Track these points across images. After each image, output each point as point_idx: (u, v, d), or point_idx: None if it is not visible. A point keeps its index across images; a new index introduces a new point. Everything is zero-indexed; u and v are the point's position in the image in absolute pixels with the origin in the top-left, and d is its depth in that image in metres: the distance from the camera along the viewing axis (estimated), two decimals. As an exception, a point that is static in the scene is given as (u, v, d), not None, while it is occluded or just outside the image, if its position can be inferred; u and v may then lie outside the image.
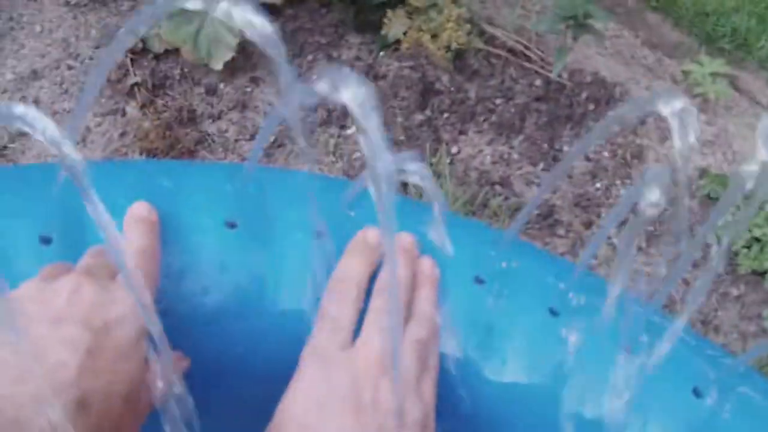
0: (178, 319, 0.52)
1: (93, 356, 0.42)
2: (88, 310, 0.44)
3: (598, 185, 1.76)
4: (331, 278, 0.52)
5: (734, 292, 1.67)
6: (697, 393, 0.54)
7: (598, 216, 1.72)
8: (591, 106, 1.87)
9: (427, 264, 0.54)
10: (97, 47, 1.79)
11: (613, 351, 0.55)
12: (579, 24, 1.67)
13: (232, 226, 0.55)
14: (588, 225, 1.69)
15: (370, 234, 0.54)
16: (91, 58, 1.77)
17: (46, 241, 0.51)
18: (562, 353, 0.55)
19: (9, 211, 0.53)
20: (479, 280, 0.56)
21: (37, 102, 1.70)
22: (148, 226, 0.51)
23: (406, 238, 0.55)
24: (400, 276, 0.52)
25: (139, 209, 0.52)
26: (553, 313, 0.56)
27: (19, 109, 0.39)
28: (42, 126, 0.38)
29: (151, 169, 0.59)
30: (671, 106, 0.41)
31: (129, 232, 0.51)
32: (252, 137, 1.68)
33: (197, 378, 0.49)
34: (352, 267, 0.52)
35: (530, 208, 0.57)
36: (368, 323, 0.49)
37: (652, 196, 0.45)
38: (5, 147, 1.64)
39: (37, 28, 1.82)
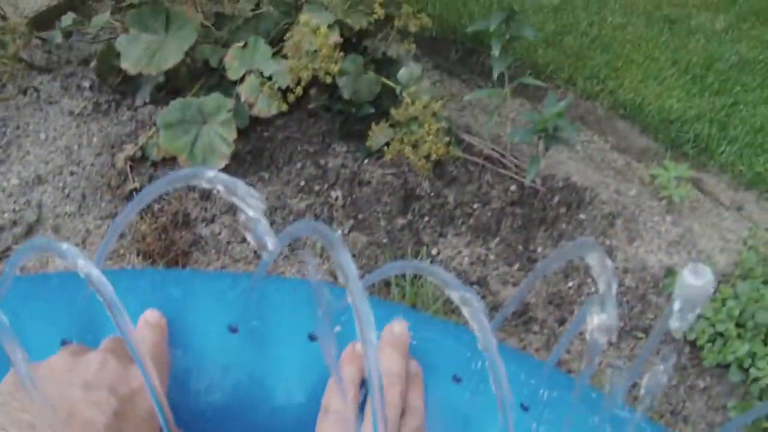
0: (183, 415, 0.58)
1: (119, 418, 0.49)
2: (114, 379, 0.50)
3: (570, 284, 1.85)
4: (330, 382, 0.59)
5: (701, 384, 1.75)
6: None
7: (571, 313, 1.81)
8: (563, 210, 1.98)
9: (413, 364, 0.61)
10: (98, 154, 1.89)
11: None
12: (550, 136, 1.78)
13: (234, 330, 0.62)
14: (562, 322, 1.78)
15: (359, 346, 0.61)
16: (92, 165, 1.87)
17: (66, 344, 0.57)
18: None
19: (35, 315, 0.59)
20: (457, 379, 0.63)
21: (40, 206, 1.80)
22: (158, 329, 0.58)
23: (398, 329, 0.61)
24: (396, 368, 0.59)
25: (151, 316, 0.59)
26: (524, 408, 0.64)
27: (61, 246, 0.47)
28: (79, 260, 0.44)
29: (161, 277, 0.67)
30: (592, 259, 0.49)
31: (142, 334, 0.58)
32: (243, 240, 1.77)
33: None
34: (348, 370, 0.58)
35: (501, 315, 0.65)
36: (368, 413, 0.56)
37: (599, 326, 0.52)
38: (8, 248, 1.72)
39: (42, 136, 1.93)
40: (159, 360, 0.56)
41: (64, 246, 0.46)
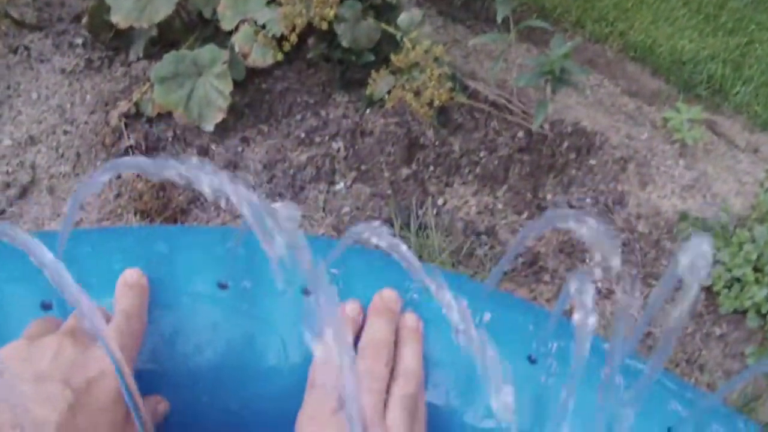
0: (172, 378, 0.56)
1: (74, 413, 0.45)
2: (69, 369, 0.47)
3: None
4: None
5: (717, 331, 1.71)
6: None
7: (583, 261, 1.76)
8: (572, 155, 1.92)
9: (410, 319, 0.58)
10: (92, 112, 1.84)
11: (591, 394, 0.58)
12: (557, 78, 1.72)
13: (224, 287, 0.59)
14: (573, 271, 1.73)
15: (349, 308, 0.58)
16: (86, 123, 1.83)
17: (46, 306, 0.55)
18: (542, 398, 0.58)
19: (13, 277, 0.56)
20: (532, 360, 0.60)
21: (33, 167, 1.75)
22: (138, 290, 0.55)
23: (387, 295, 0.59)
24: (383, 336, 0.56)
25: (131, 275, 0.56)
26: (532, 360, 0.60)
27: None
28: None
29: (147, 234, 0.64)
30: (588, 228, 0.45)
31: (118, 296, 0.55)
32: (243, 195, 1.73)
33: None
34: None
35: (504, 261, 0.61)
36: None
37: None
38: (3, 211, 1.68)
39: (34, 95, 1.88)
40: (132, 330, 0.53)
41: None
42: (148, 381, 0.55)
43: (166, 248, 0.60)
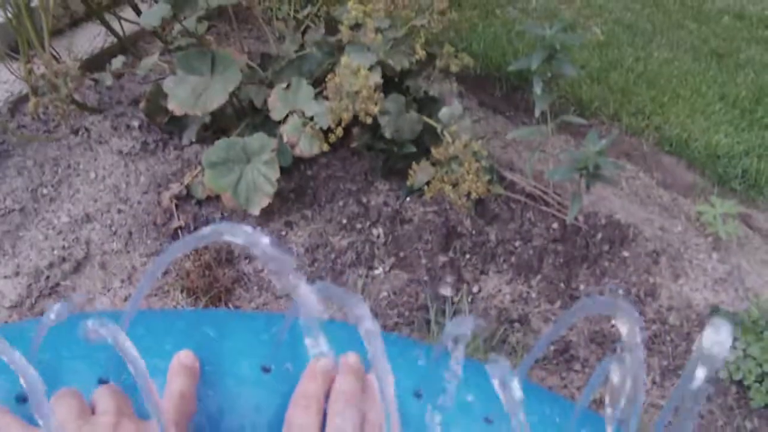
0: None
1: None
2: None
3: (613, 322, 1.83)
4: (294, 395, 0.59)
5: (748, 426, 1.71)
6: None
7: (614, 352, 1.78)
8: (606, 247, 1.96)
9: (369, 379, 0.62)
10: (145, 192, 1.93)
11: None
12: (591, 174, 1.78)
13: (267, 370, 0.63)
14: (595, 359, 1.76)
15: (322, 362, 0.61)
16: (139, 203, 1.92)
17: (103, 382, 0.59)
18: None
19: (72, 354, 0.60)
20: (488, 420, 0.64)
21: (88, 243, 1.84)
22: (189, 372, 0.59)
23: (352, 357, 0.63)
24: (353, 387, 0.60)
25: (186, 357, 0.60)
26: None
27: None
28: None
29: (196, 317, 0.68)
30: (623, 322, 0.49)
31: (171, 377, 0.59)
32: (285, 277, 1.79)
33: None
34: (310, 385, 0.60)
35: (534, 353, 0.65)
36: (331, 427, 0.57)
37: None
38: (57, 284, 1.76)
39: (92, 175, 1.98)
40: (185, 409, 0.57)
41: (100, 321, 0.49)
42: None
43: (214, 332, 0.64)
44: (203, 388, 0.60)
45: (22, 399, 0.57)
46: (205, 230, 0.48)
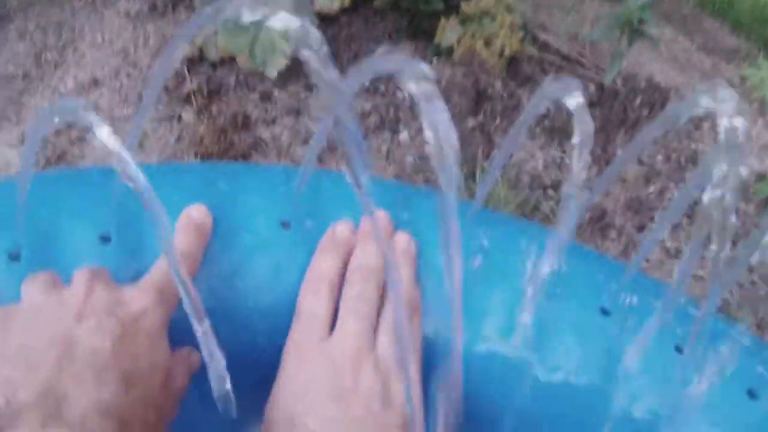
0: (229, 317, 0.54)
1: (126, 342, 0.44)
2: (108, 304, 0.45)
3: (651, 189, 1.74)
4: (306, 275, 0.53)
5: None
6: (751, 394, 0.54)
7: (651, 220, 1.70)
8: (645, 112, 1.85)
9: (402, 240, 0.55)
10: (155, 56, 1.83)
11: (667, 351, 0.55)
12: (634, 30, 1.66)
13: (286, 226, 0.56)
14: (640, 228, 1.67)
15: (339, 229, 0.55)
16: (149, 67, 1.81)
17: (105, 239, 0.53)
18: (615, 352, 0.55)
19: (72, 211, 0.54)
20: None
21: (96, 109, 1.75)
22: (198, 229, 0.53)
23: (378, 217, 0.55)
24: (372, 260, 0.53)
25: (197, 213, 0.53)
26: (605, 312, 0.56)
27: (85, 114, 0.41)
28: (103, 132, 0.41)
29: (208, 171, 0.61)
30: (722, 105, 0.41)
31: (178, 234, 0.52)
32: (305, 142, 1.70)
33: (250, 375, 0.51)
34: (323, 263, 0.53)
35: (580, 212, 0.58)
36: (343, 312, 0.50)
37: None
38: (65, 152, 1.68)
39: (98, 39, 1.87)
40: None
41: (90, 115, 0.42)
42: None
43: (227, 186, 0.58)
44: (216, 246, 0.54)
45: (14, 257, 0.52)
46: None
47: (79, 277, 0.47)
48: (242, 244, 0.55)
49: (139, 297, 0.47)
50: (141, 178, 0.40)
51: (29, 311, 0.45)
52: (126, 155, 0.40)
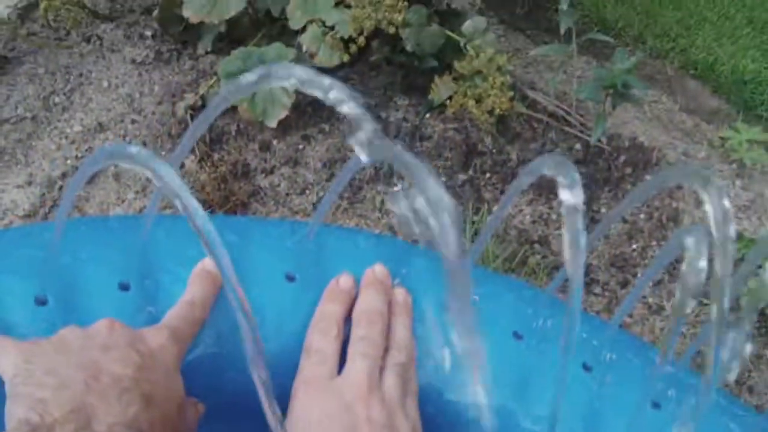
0: (235, 362, 0.58)
1: (145, 371, 0.49)
2: (129, 340, 0.50)
3: (634, 246, 1.81)
4: (313, 318, 0.58)
5: (768, 354, 1.70)
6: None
7: (634, 276, 1.76)
8: (628, 170, 1.92)
9: (400, 294, 0.60)
10: (159, 103, 1.89)
11: (643, 406, 0.60)
12: (618, 93, 1.73)
13: (291, 279, 0.61)
14: (624, 284, 1.74)
15: (342, 280, 0.60)
16: (153, 113, 1.87)
17: (124, 287, 0.57)
18: (594, 403, 0.60)
19: (93, 257, 0.58)
20: (518, 336, 0.62)
21: (101, 153, 1.80)
22: (210, 279, 0.58)
23: (379, 270, 0.61)
24: (377, 306, 0.58)
25: (208, 264, 0.58)
26: (586, 368, 0.61)
27: (132, 148, 0.45)
28: (167, 175, 0.44)
29: (219, 223, 0.66)
30: (705, 183, 0.46)
31: (191, 283, 0.57)
32: (302, 192, 1.76)
33: (258, 414, 0.55)
34: (329, 307, 0.58)
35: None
36: (352, 351, 0.55)
37: (696, 261, 0.49)
38: (71, 195, 1.73)
39: (105, 84, 1.93)
40: (194, 317, 0.56)
41: (136, 149, 0.45)
42: (211, 365, 0.58)
43: (236, 238, 0.62)
44: (225, 295, 0.57)
45: (40, 302, 0.55)
46: (252, 74, 0.44)
47: (101, 321, 0.52)
48: (249, 294, 0.59)
49: (155, 335, 0.52)
50: (205, 220, 0.43)
51: (58, 343, 0.49)
52: (190, 197, 0.43)
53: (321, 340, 0.56)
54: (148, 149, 0.45)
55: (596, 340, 0.64)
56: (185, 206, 0.42)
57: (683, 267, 0.47)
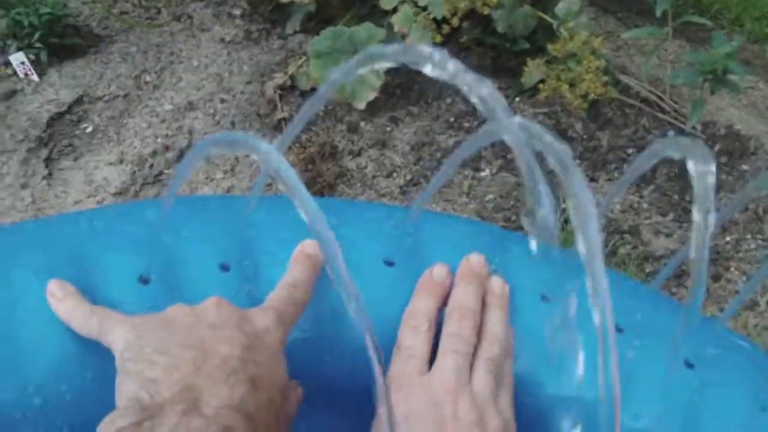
0: (334, 348, 0.57)
1: (251, 351, 0.48)
2: (237, 320, 0.50)
3: (728, 239, 1.75)
4: (405, 313, 0.57)
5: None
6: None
7: (727, 269, 1.71)
8: (724, 159, 1.87)
9: (496, 284, 0.58)
10: (248, 82, 1.90)
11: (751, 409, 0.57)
12: (718, 78, 1.67)
13: (390, 264, 0.59)
14: (717, 278, 1.69)
15: (437, 271, 0.58)
16: (242, 93, 1.88)
17: (225, 268, 0.57)
18: (695, 401, 0.57)
19: (195, 236, 0.58)
20: (619, 330, 0.59)
21: (191, 132, 1.82)
22: (310, 261, 0.57)
23: (474, 260, 0.59)
24: (470, 301, 0.56)
25: (310, 245, 0.57)
26: (688, 365, 0.59)
27: (237, 135, 0.45)
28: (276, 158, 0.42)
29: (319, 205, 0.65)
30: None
31: (292, 265, 0.56)
32: (389, 174, 1.75)
33: (349, 403, 0.54)
34: (421, 302, 0.57)
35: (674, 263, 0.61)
36: (442, 348, 0.54)
37: None
38: (161, 173, 1.76)
39: (195, 63, 1.95)
40: (296, 299, 0.55)
41: (258, 141, 0.44)
42: (309, 350, 0.57)
43: (334, 220, 0.60)
44: (324, 279, 0.57)
45: (144, 280, 0.55)
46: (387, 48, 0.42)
47: (209, 299, 0.52)
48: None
49: (262, 316, 0.51)
50: (312, 205, 0.42)
51: (166, 320, 0.49)
52: (299, 183, 0.42)
53: (412, 338, 0.55)
54: (253, 134, 0.45)
55: (699, 336, 0.60)
56: (291, 189, 0.41)
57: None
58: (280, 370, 0.50)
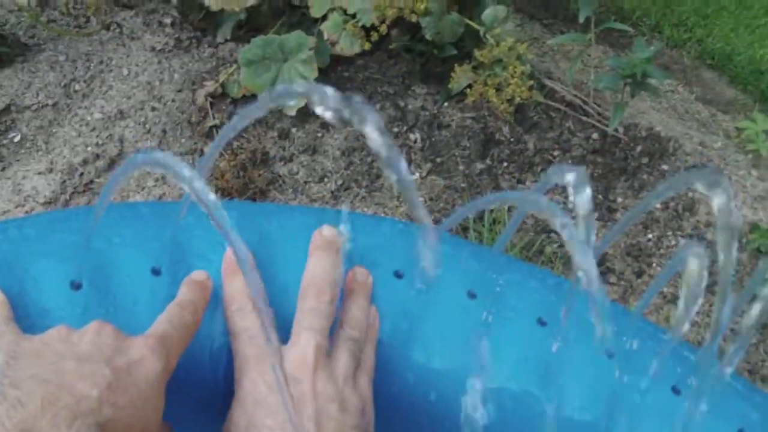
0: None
1: (114, 391, 0.46)
2: (110, 351, 0.48)
3: (650, 236, 1.81)
4: (223, 300, 0.57)
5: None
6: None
7: (649, 266, 1.77)
8: (645, 160, 1.93)
9: (360, 273, 0.59)
10: (179, 90, 1.90)
11: (665, 393, 0.61)
12: (637, 82, 1.73)
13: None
14: (639, 274, 1.75)
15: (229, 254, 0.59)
16: (173, 101, 1.88)
17: (156, 272, 0.57)
18: (617, 391, 0.61)
19: (127, 242, 0.58)
20: (542, 322, 0.62)
21: (122, 140, 1.82)
22: (201, 286, 0.56)
23: (326, 232, 0.59)
24: (325, 274, 0.56)
25: (196, 274, 0.57)
26: (609, 355, 0.62)
27: (159, 154, 0.45)
28: (181, 170, 0.44)
29: (249, 210, 0.65)
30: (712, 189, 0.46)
31: (182, 287, 0.56)
32: (320, 180, 1.77)
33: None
34: (236, 284, 0.56)
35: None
36: (297, 326, 0.54)
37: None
38: (91, 182, 1.75)
39: (125, 72, 1.94)
40: (183, 321, 0.54)
41: (180, 164, 0.45)
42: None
43: (270, 225, 0.62)
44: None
45: (75, 286, 0.55)
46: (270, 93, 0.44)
47: (92, 323, 0.50)
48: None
49: (140, 346, 0.49)
50: (222, 213, 0.43)
51: (40, 344, 0.48)
52: (207, 190, 0.43)
53: (241, 320, 0.55)
54: (169, 153, 0.45)
55: (618, 328, 0.64)
56: (207, 207, 0.43)
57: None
58: (147, 410, 0.48)
